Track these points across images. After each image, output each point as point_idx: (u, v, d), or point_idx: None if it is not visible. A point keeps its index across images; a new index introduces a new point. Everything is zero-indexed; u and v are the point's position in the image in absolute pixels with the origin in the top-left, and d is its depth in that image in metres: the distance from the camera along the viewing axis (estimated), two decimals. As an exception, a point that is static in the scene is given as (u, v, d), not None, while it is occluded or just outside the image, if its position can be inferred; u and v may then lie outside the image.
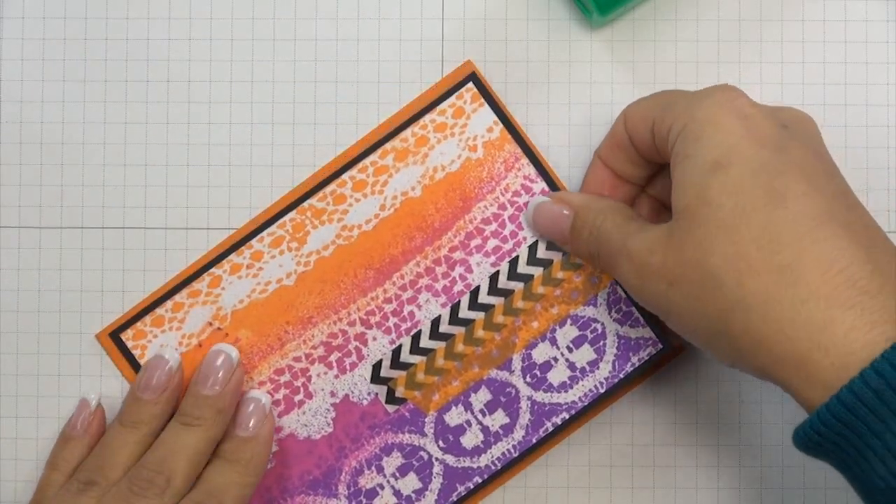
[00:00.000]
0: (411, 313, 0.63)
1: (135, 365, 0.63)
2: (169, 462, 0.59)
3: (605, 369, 0.63)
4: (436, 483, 0.63)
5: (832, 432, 0.47)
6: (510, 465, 0.63)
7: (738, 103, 0.53)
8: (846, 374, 0.47)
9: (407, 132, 0.63)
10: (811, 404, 0.48)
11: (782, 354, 0.48)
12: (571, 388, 0.63)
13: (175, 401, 0.62)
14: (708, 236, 0.51)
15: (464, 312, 0.63)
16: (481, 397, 0.63)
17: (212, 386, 0.61)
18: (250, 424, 0.61)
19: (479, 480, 0.63)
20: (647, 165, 0.60)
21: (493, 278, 0.63)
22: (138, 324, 0.63)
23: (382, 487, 0.63)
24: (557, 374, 0.63)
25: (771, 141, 0.51)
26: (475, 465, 0.63)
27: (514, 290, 0.63)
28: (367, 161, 0.63)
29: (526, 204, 0.63)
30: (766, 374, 0.50)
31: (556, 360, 0.63)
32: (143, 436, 0.61)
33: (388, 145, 0.63)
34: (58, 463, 0.62)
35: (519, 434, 0.63)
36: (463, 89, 0.63)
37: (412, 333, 0.63)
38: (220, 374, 0.61)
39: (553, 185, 0.63)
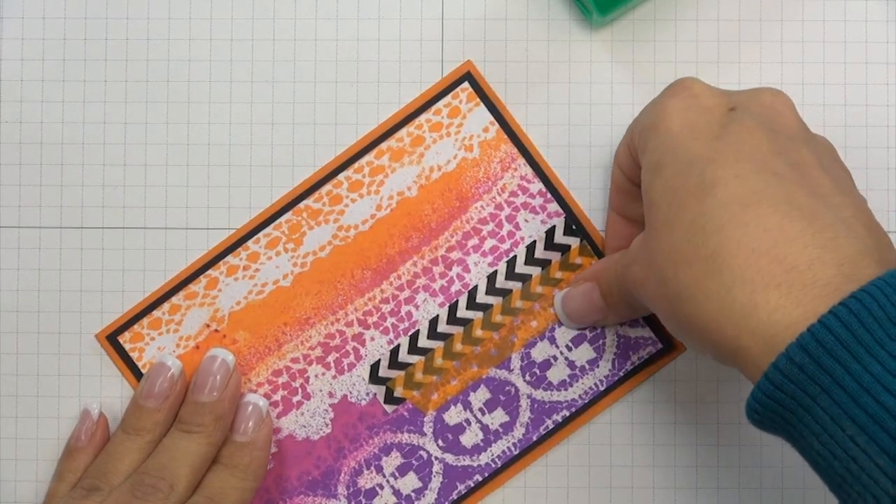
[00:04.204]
0: (409, 313, 0.63)
1: (132, 367, 0.63)
2: (171, 468, 0.59)
3: (604, 368, 0.63)
4: (435, 482, 0.63)
5: (768, 410, 0.47)
6: (510, 463, 0.63)
7: (684, 95, 0.53)
8: (773, 354, 0.46)
9: (402, 132, 0.63)
10: (753, 383, 0.48)
11: (720, 341, 0.48)
12: (571, 386, 0.63)
13: (178, 406, 0.62)
14: (653, 237, 0.51)
15: (462, 312, 0.63)
16: (480, 396, 0.63)
17: (209, 392, 0.61)
18: (248, 429, 0.61)
19: (479, 479, 0.63)
20: None
21: (491, 278, 0.63)
22: (135, 326, 0.63)
23: (382, 487, 0.63)
24: (557, 373, 0.63)
25: (706, 130, 0.52)
26: (475, 464, 0.63)
27: (512, 290, 0.63)
28: (362, 161, 0.63)
29: (523, 204, 0.63)
30: (717, 359, 0.50)
31: (555, 358, 0.63)
32: (145, 443, 0.61)
33: (383, 145, 0.63)
34: (64, 474, 0.62)
35: (519, 432, 0.63)
36: (458, 88, 0.63)
37: (410, 333, 0.63)
38: (218, 379, 0.61)
39: (550, 184, 0.63)
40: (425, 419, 0.63)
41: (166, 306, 0.63)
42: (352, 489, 0.63)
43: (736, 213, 0.48)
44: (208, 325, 0.63)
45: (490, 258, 0.63)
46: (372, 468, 0.63)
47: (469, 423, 0.63)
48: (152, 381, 0.62)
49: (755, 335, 0.47)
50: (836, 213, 0.49)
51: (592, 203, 0.63)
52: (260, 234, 0.63)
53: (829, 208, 0.49)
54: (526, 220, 0.63)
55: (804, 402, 0.46)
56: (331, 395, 0.63)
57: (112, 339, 0.63)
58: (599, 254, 0.63)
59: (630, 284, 0.55)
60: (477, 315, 0.63)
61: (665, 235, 0.50)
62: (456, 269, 0.63)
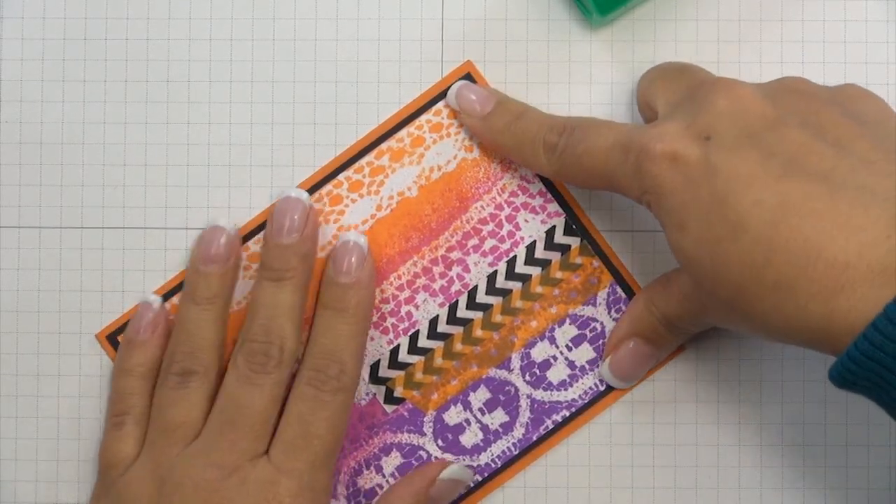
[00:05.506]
0: (409, 313, 0.63)
1: (132, 367, 0.63)
2: (274, 327, 0.58)
3: (605, 367, 0.63)
4: (435, 482, 0.63)
5: (863, 369, 0.47)
6: (510, 463, 0.63)
7: (667, 159, 0.53)
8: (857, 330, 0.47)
9: (403, 132, 0.63)
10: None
11: (809, 344, 0.49)
12: (571, 385, 0.63)
13: (239, 267, 0.61)
14: (711, 290, 0.52)
15: (462, 312, 0.63)
16: (480, 396, 0.63)
17: (289, 233, 0.60)
18: (351, 267, 0.60)
19: (479, 479, 0.63)
20: None
21: (491, 278, 0.63)
22: (135, 325, 0.63)
23: (381, 487, 0.63)
24: (557, 373, 0.63)
25: (699, 180, 0.52)
26: (475, 464, 0.63)
27: (512, 290, 0.63)
28: (363, 161, 0.63)
29: (523, 204, 0.63)
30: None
31: (555, 358, 0.63)
32: (220, 310, 0.60)
33: (383, 146, 0.63)
34: (131, 368, 0.60)
35: (519, 432, 0.63)
36: (458, 89, 0.63)
37: (410, 333, 0.63)
38: (296, 218, 0.60)
39: (550, 184, 0.63)
40: (425, 419, 0.63)
41: (167, 306, 0.63)
42: (351, 489, 0.63)
43: (772, 237, 0.49)
44: (209, 325, 0.63)
45: (490, 258, 0.63)
46: (372, 468, 0.63)
47: (469, 423, 0.63)
48: (207, 243, 0.60)
49: (837, 339, 0.48)
50: (852, 182, 0.49)
51: (592, 203, 0.63)
52: (260, 235, 0.63)
53: (843, 183, 0.49)
54: (526, 220, 0.63)
55: None
56: (331, 394, 0.63)
57: (112, 339, 0.63)
58: (600, 253, 0.63)
59: (709, 321, 0.57)
60: (477, 315, 0.63)
61: (724, 284, 0.51)
62: (456, 269, 0.63)
